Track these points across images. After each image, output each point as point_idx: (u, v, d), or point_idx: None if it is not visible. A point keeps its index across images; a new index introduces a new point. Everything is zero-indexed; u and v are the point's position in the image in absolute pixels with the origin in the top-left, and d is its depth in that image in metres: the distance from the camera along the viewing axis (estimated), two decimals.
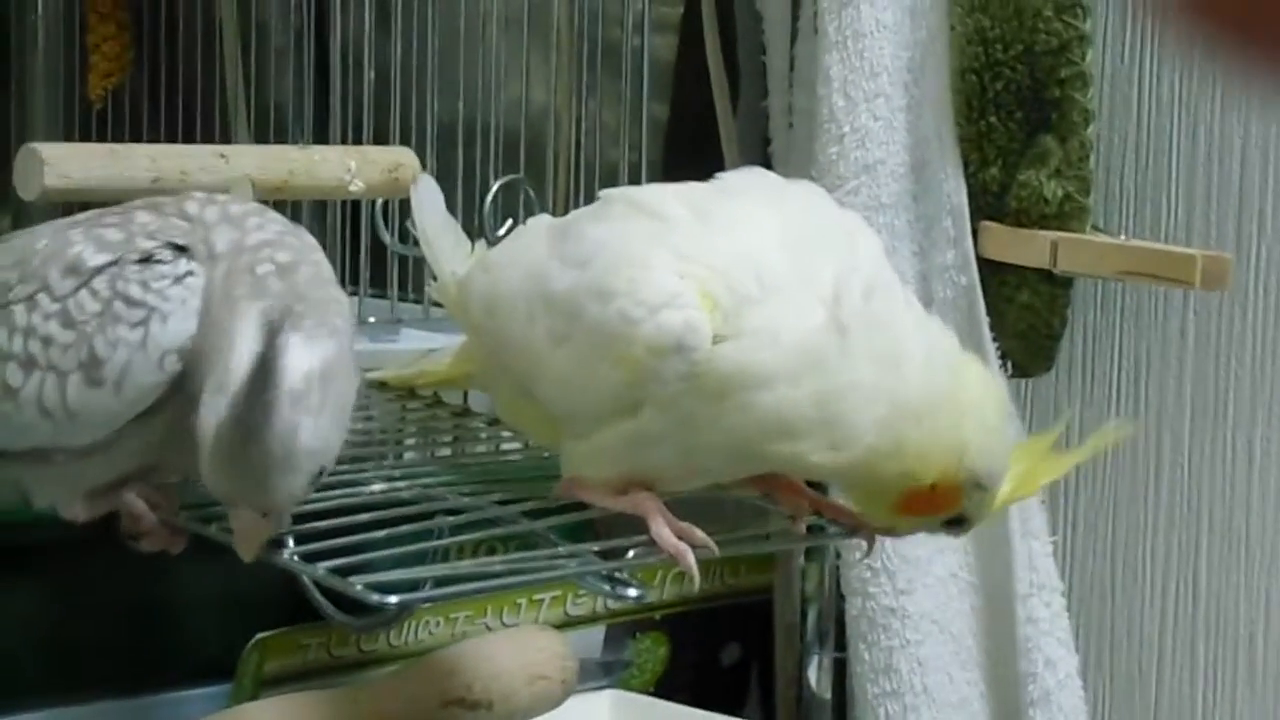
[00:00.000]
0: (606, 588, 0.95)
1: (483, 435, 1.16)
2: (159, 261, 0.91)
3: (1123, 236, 1.35)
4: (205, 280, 0.90)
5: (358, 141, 1.31)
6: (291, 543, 0.93)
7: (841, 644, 1.37)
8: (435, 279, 1.09)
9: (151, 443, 0.93)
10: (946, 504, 0.94)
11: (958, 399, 0.93)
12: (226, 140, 1.44)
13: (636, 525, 0.96)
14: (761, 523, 1.04)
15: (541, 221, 1.03)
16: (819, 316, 0.90)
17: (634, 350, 0.90)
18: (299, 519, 0.95)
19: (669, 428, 0.92)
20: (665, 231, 0.93)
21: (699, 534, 0.95)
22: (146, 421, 0.91)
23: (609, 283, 0.92)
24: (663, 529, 0.94)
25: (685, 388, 0.90)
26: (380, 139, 1.32)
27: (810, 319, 0.90)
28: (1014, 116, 1.31)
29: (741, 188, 0.97)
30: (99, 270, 0.91)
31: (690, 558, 0.94)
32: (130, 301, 0.90)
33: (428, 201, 1.10)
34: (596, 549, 0.96)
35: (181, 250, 0.91)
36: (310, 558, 0.92)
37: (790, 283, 0.91)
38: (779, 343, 0.89)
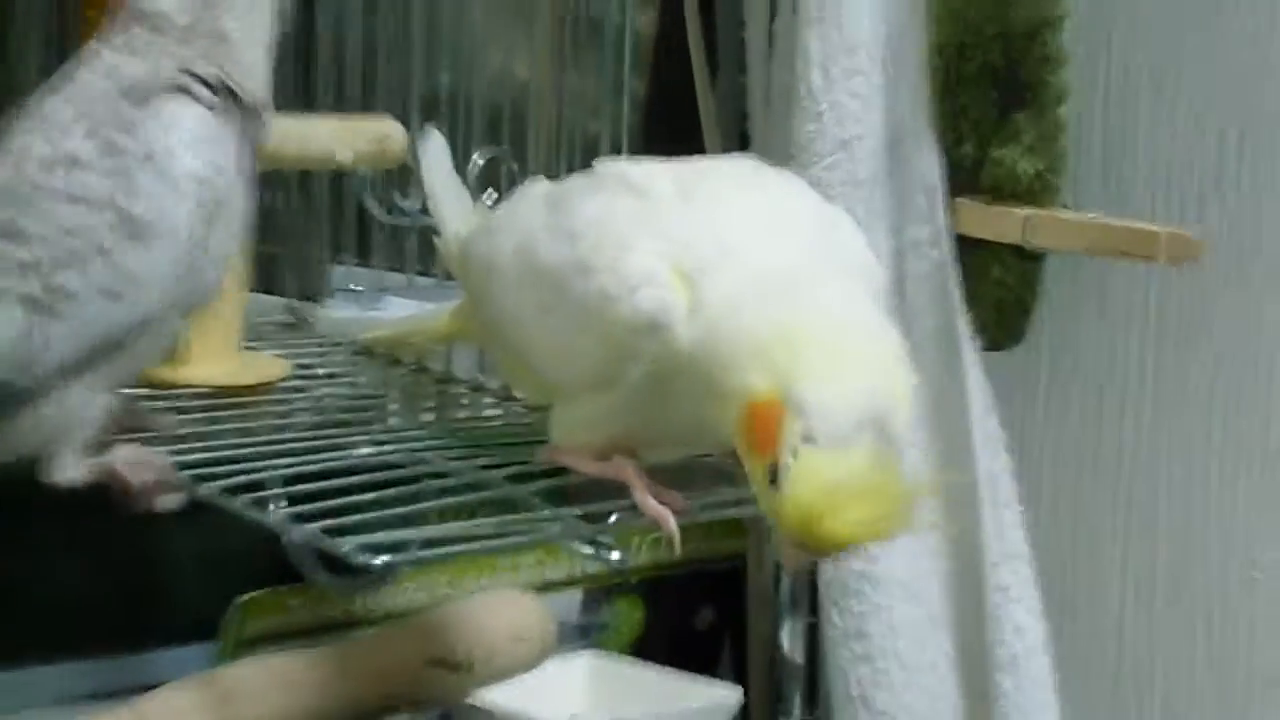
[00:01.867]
0: (589, 550, 0.96)
1: (464, 401, 1.16)
2: (135, 120, 0.92)
3: (1091, 213, 1.34)
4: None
5: (342, 111, 1.30)
6: (280, 504, 0.93)
7: (814, 609, 1.37)
8: (439, 235, 1.09)
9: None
10: (767, 436, 0.85)
11: (840, 345, 0.85)
12: None
13: (613, 491, 0.96)
14: (735, 488, 1.04)
15: (539, 188, 1.02)
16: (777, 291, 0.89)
17: (612, 326, 0.90)
18: (288, 481, 0.96)
19: (647, 398, 0.92)
20: (650, 210, 0.93)
21: (680, 499, 0.95)
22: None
23: (592, 260, 0.92)
24: (645, 494, 0.94)
25: (661, 361, 0.90)
26: (364, 110, 1.31)
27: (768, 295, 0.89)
28: (988, 95, 1.32)
29: (730, 171, 0.97)
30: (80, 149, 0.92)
31: (672, 522, 0.94)
32: (133, 154, 0.91)
33: (435, 159, 1.10)
34: (579, 513, 0.95)
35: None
36: (299, 519, 0.91)
37: (756, 262, 0.90)
38: (740, 315, 0.88)
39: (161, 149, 0.92)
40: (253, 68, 0.97)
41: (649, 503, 0.94)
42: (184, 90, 0.95)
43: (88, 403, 0.94)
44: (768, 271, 0.89)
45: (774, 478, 0.83)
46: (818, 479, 0.82)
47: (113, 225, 0.91)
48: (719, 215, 0.92)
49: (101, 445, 0.96)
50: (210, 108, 0.95)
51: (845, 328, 0.87)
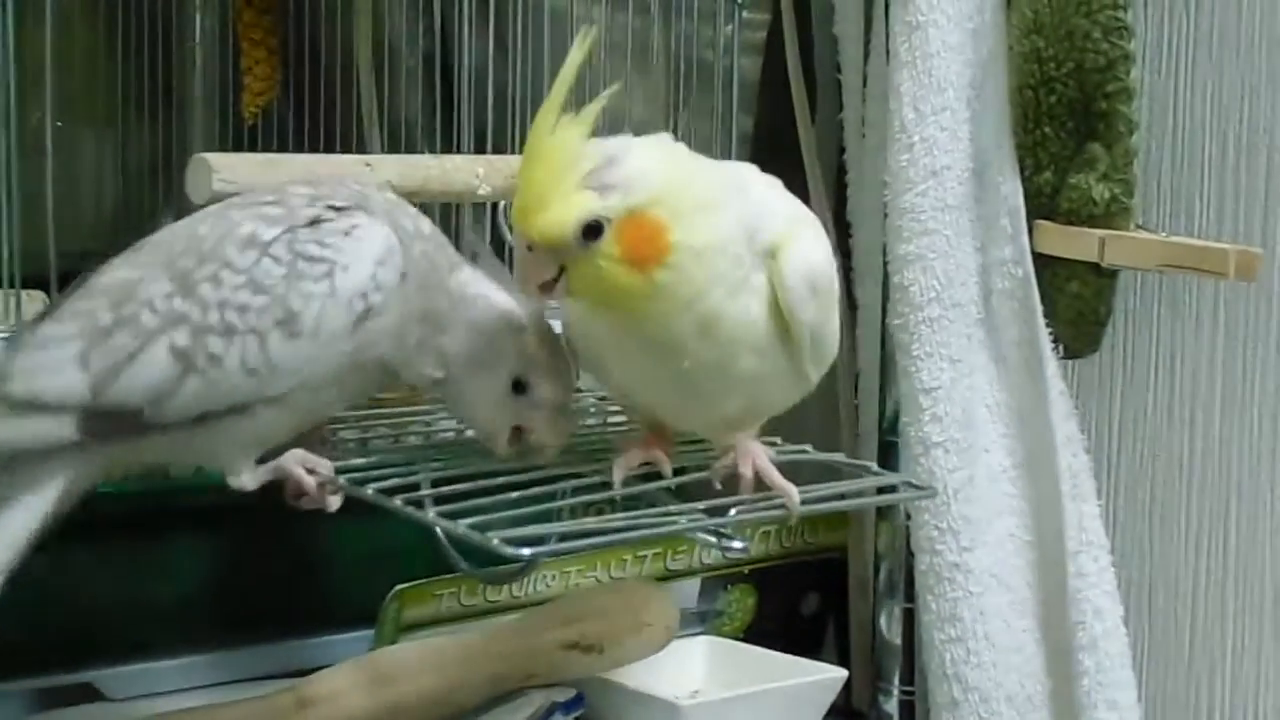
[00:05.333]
0: (714, 541, 0.96)
1: (592, 409, 1.16)
2: (326, 221, 0.94)
3: (1163, 233, 1.34)
4: (380, 227, 0.94)
5: (481, 151, 1.32)
6: (433, 504, 0.95)
7: (910, 595, 1.37)
8: None
9: (340, 387, 0.95)
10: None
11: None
12: (362, 151, 1.45)
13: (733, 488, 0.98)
14: (838, 483, 1.05)
15: None
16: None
17: None
18: (438, 483, 0.97)
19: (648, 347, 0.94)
20: None
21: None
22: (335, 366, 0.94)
23: None
24: (769, 465, 0.97)
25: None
26: (499, 149, 1.33)
27: None
28: (1065, 127, 1.30)
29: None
30: (274, 240, 0.93)
31: (796, 495, 0.97)
32: (311, 259, 0.93)
33: None
34: (703, 507, 0.96)
35: (341, 210, 0.94)
36: (450, 516, 0.93)
37: None
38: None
39: (338, 264, 0.93)
40: None
41: (776, 477, 0.97)
42: (373, 214, 0.96)
43: (236, 441, 0.95)
44: None
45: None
46: None
47: (276, 316, 0.92)
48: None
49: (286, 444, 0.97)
50: (400, 239, 0.95)
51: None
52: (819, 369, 1.00)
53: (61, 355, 0.92)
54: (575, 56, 0.90)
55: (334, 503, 0.97)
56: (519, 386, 0.97)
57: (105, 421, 0.92)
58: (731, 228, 0.93)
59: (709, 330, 0.93)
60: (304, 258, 0.93)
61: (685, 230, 0.90)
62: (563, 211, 0.88)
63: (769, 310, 0.95)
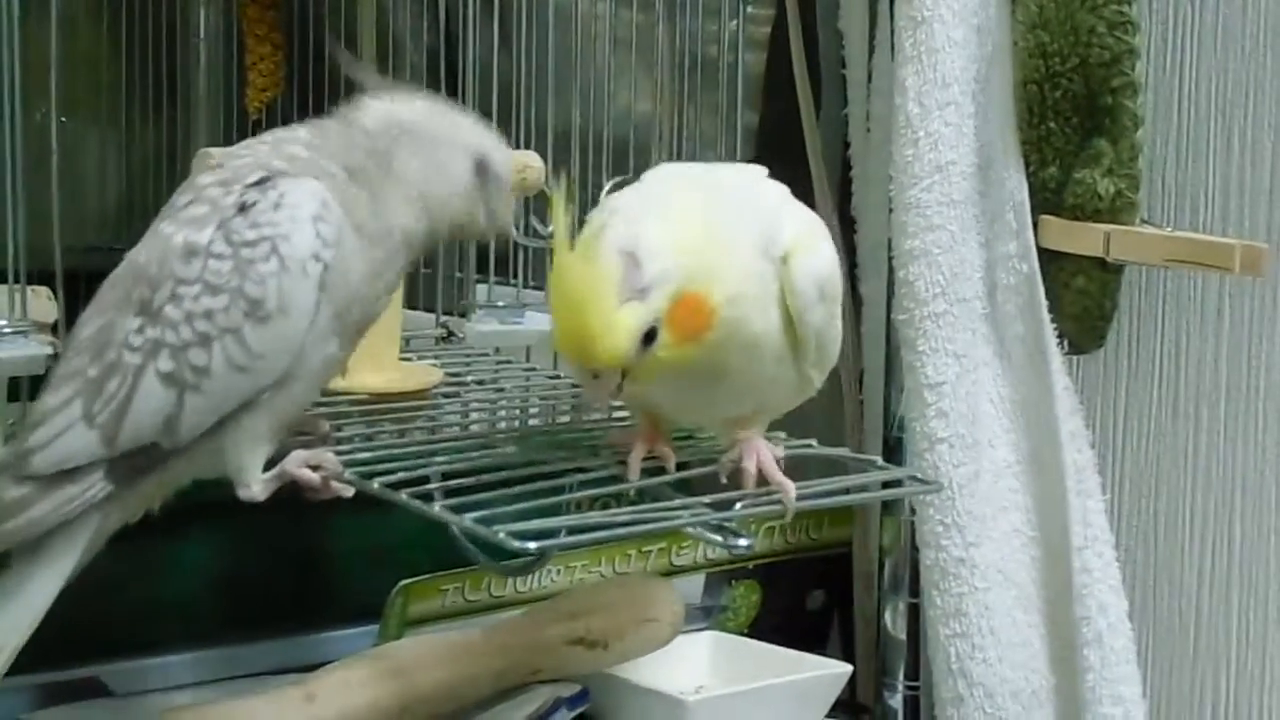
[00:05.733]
0: (718, 538, 0.96)
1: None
2: (252, 204, 0.93)
3: (1168, 228, 1.34)
4: (302, 184, 0.93)
5: None
6: (440, 497, 0.95)
7: (915, 590, 1.37)
8: None
9: (332, 355, 0.95)
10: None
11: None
12: None
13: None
14: (843, 478, 1.05)
15: None
16: None
17: None
18: (445, 477, 0.97)
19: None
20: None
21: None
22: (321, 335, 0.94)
23: None
24: (770, 461, 0.98)
25: None
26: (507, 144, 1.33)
27: None
28: (1070, 122, 1.30)
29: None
30: (211, 240, 0.92)
31: (793, 492, 0.97)
32: (251, 244, 0.92)
33: None
34: (708, 501, 0.97)
35: (259, 184, 0.94)
36: (457, 510, 0.93)
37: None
38: None
39: (279, 235, 0.92)
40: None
41: (776, 474, 0.98)
42: (306, 166, 0.95)
43: (255, 437, 0.95)
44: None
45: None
46: None
47: (241, 309, 0.92)
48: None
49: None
50: (317, 177, 0.94)
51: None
52: (821, 373, 1.01)
53: (68, 418, 0.92)
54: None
55: (346, 490, 0.97)
56: (480, 168, 0.98)
57: (129, 465, 0.93)
58: (751, 252, 0.95)
59: (750, 350, 0.95)
60: (244, 244, 0.92)
61: (720, 286, 0.92)
62: (619, 334, 0.88)
63: (783, 315, 0.96)
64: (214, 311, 0.92)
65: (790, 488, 0.98)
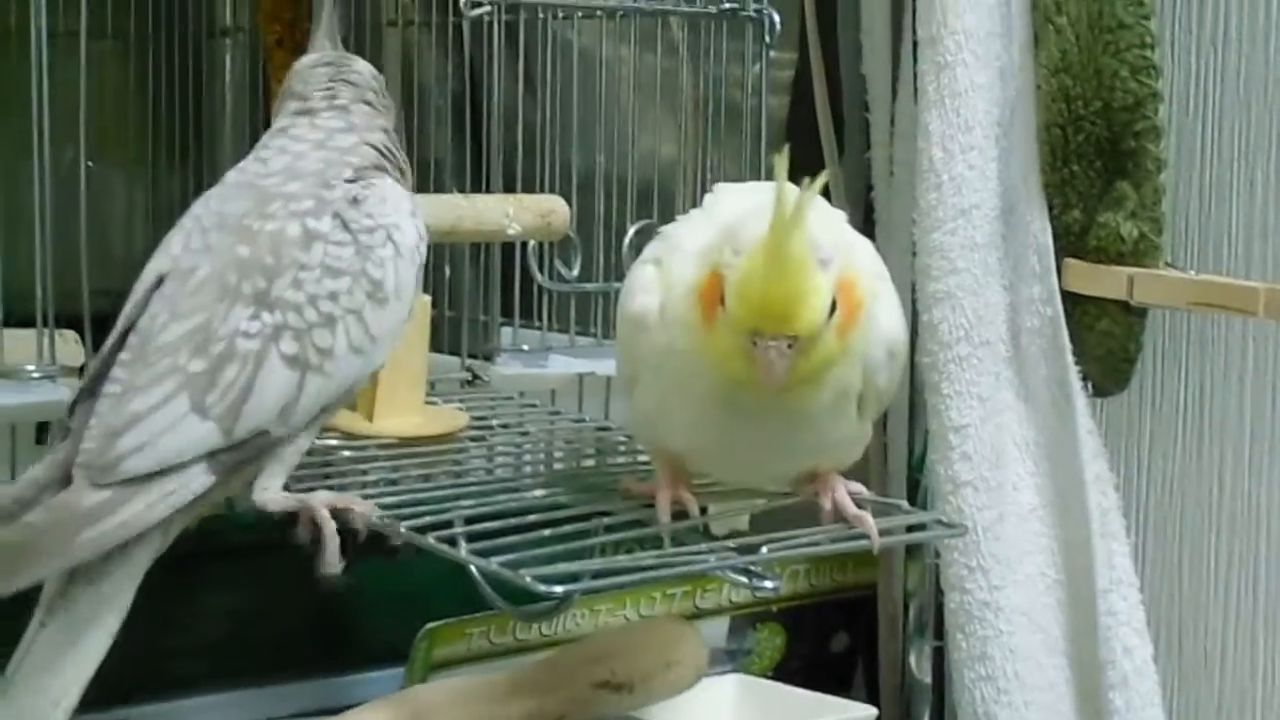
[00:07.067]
0: (745, 580, 0.96)
1: (621, 447, 1.17)
2: (363, 196, 0.98)
3: (1192, 271, 1.34)
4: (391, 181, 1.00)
5: (510, 191, 1.32)
6: (465, 541, 0.95)
7: (940, 634, 1.37)
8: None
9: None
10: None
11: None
12: None
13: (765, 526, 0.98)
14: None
15: None
16: None
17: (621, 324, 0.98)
18: (470, 520, 0.97)
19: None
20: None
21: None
22: None
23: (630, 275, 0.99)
24: (846, 499, 0.97)
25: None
26: (529, 189, 1.33)
27: None
28: (1094, 165, 1.30)
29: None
30: (331, 228, 0.96)
31: (871, 523, 0.97)
32: (370, 230, 0.97)
33: None
34: (734, 545, 0.96)
35: (357, 181, 0.99)
36: (483, 554, 0.93)
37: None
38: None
39: (391, 224, 0.97)
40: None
41: (848, 505, 0.97)
42: (381, 168, 1.00)
43: (297, 450, 0.96)
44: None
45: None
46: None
47: (365, 289, 0.96)
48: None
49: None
50: (395, 180, 1.01)
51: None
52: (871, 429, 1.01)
53: (171, 415, 0.91)
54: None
55: (336, 564, 0.96)
56: None
57: (235, 455, 0.93)
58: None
59: (841, 397, 0.94)
60: (363, 231, 0.97)
61: (862, 284, 0.91)
62: (818, 300, 0.86)
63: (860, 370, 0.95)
64: (338, 293, 0.95)
65: (871, 523, 0.97)
